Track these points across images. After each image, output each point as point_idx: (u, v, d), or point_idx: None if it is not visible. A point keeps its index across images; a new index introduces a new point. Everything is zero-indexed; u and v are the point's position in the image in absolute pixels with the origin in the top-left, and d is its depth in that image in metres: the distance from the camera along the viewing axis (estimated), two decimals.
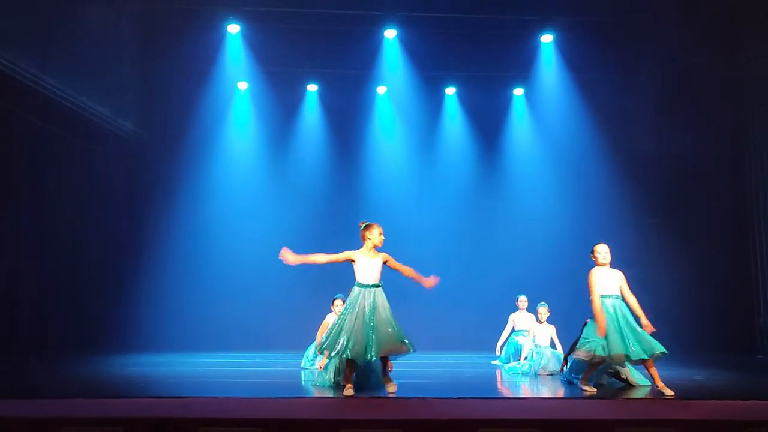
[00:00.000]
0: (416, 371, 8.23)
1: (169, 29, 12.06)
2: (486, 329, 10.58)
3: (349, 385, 5.88)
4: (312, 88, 13.81)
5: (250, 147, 13.72)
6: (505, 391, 6.91)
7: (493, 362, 9.55)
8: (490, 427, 4.47)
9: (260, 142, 13.74)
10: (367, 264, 6.07)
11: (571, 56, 12.70)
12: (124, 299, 11.84)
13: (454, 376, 8.20)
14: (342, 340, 5.81)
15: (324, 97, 13.84)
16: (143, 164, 12.70)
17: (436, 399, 5.65)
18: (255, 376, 8.05)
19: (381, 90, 13.77)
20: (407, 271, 6.20)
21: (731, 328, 11.31)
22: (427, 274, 14.17)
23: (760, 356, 10.94)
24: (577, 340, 6.89)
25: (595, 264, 6.45)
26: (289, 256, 5.91)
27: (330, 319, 8.21)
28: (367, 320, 5.85)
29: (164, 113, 12.83)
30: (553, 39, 12.77)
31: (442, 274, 13.37)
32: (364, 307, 5.90)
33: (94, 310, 11.25)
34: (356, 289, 6.06)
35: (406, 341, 5.91)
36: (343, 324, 5.90)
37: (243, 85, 13.51)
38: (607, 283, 6.38)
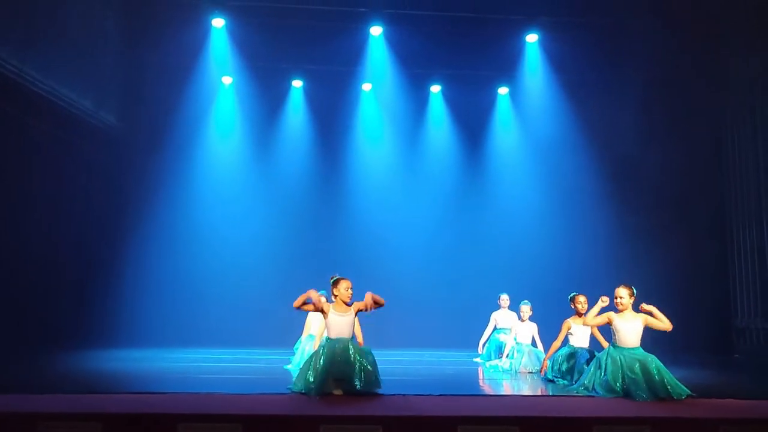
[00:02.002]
0: (397, 368, 8.25)
1: (154, 22, 11.95)
2: (468, 327, 10.62)
3: (338, 390, 5.81)
4: (297, 84, 13.77)
5: (233, 142, 13.67)
6: (486, 389, 6.96)
7: (475, 360, 9.60)
8: (470, 425, 4.50)
9: (244, 137, 13.70)
10: (337, 320, 6.01)
11: (556, 56, 12.79)
12: (103, 294, 11.73)
13: (435, 374, 8.24)
14: (308, 378, 5.74)
15: (309, 93, 13.81)
16: (125, 158, 12.57)
17: (417, 396, 5.67)
18: (235, 373, 8.02)
19: (366, 87, 13.76)
20: (369, 301, 6.10)
21: (708, 327, 11.45)
22: (410, 270, 14.05)
23: (737, 356, 11.09)
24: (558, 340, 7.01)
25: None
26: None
27: (312, 315, 8.17)
28: (339, 362, 5.74)
29: (148, 107, 12.72)
30: (538, 39, 12.83)
31: (426, 270, 13.46)
32: (335, 354, 5.79)
33: (72, 304, 11.13)
34: (326, 341, 5.99)
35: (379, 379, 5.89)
36: (311, 363, 5.83)
37: (227, 80, 13.44)
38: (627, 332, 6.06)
